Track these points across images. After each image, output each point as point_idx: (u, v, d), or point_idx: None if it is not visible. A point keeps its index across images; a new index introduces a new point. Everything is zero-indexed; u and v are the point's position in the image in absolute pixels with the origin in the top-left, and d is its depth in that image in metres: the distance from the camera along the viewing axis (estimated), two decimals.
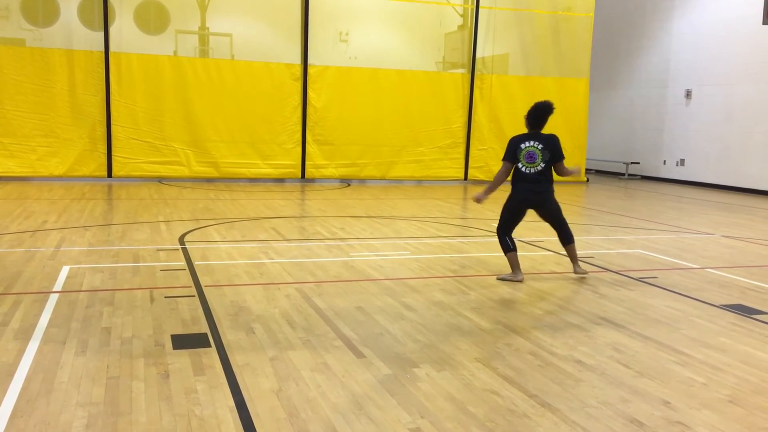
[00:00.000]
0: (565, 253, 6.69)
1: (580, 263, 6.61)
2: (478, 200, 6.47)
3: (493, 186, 6.38)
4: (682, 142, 17.76)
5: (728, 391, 3.86)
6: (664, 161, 18.33)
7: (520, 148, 6.23)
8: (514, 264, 6.37)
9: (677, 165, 17.91)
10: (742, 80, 16.00)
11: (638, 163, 19.02)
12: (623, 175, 19.35)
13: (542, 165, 6.22)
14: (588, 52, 16.87)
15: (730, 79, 16.28)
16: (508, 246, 6.37)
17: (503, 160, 6.36)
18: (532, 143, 6.23)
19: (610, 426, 3.36)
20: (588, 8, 16.76)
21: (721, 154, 16.58)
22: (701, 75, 17.13)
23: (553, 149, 6.25)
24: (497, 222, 6.50)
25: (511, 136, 6.45)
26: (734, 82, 16.18)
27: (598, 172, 20.43)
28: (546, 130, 6.42)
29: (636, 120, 19.23)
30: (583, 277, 6.53)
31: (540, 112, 6.27)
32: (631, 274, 6.82)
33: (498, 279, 6.38)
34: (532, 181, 6.24)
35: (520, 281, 6.31)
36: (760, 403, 3.71)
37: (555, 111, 6.38)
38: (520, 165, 6.25)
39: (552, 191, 6.40)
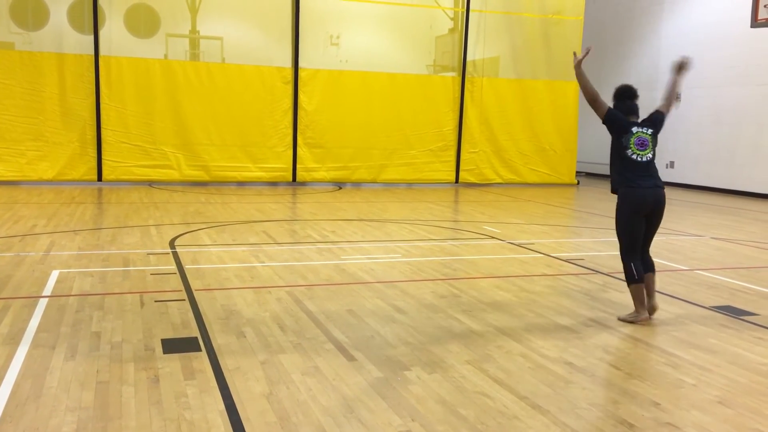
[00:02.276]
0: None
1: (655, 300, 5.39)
2: (577, 61, 5.50)
3: (585, 80, 5.42)
4: (671, 144, 17.84)
5: (717, 392, 3.88)
6: None
7: (631, 131, 5.22)
8: (640, 298, 5.21)
9: (666, 167, 17.99)
10: (730, 83, 16.10)
11: None
12: None
13: (651, 154, 5.29)
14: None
15: (718, 81, 16.38)
16: (633, 275, 5.19)
17: (606, 106, 5.34)
18: (643, 129, 5.28)
19: (600, 427, 3.37)
20: (578, 11, 16.83)
21: (709, 157, 16.67)
22: (690, 78, 16.97)
23: (658, 130, 5.38)
24: (619, 246, 5.34)
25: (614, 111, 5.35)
26: (722, 84, 16.29)
27: (588, 174, 20.50)
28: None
29: None
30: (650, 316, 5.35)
31: (631, 93, 5.39)
32: (620, 276, 6.82)
33: (619, 319, 5.27)
34: (648, 173, 5.25)
35: (646, 320, 5.21)
36: (748, 403, 3.73)
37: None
38: (629, 152, 5.21)
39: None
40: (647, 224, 5.30)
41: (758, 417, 3.56)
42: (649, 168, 5.27)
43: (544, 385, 3.89)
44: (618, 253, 5.39)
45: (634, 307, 5.27)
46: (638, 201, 5.19)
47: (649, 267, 5.34)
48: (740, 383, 4.03)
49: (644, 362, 4.34)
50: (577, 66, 5.47)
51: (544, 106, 16.40)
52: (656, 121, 5.42)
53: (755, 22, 14.52)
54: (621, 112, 5.35)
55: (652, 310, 5.29)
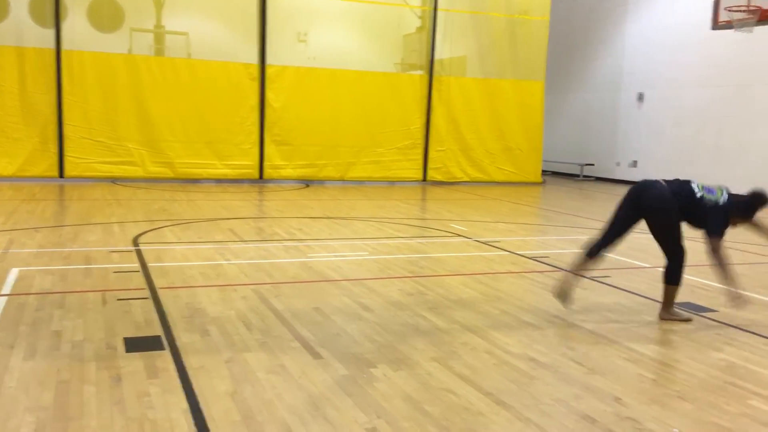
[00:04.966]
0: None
1: (674, 310, 5.41)
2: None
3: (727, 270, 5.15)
4: (634, 144, 18.14)
5: (677, 387, 3.96)
6: (618, 163, 18.69)
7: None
8: (579, 266, 5.42)
9: (630, 166, 18.29)
10: (691, 84, 16.42)
11: (593, 164, 19.36)
12: (578, 176, 19.67)
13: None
14: (544, 55, 17.11)
15: (680, 83, 16.70)
16: (588, 244, 5.40)
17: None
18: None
19: (563, 423, 3.42)
20: (543, 12, 17.00)
21: (671, 156, 16.97)
22: (653, 79, 17.53)
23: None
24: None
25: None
26: (684, 85, 16.60)
27: (554, 173, 20.74)
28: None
29: (590, 122, 19.58)
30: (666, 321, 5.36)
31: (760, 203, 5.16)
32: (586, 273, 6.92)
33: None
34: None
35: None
36: (707, 398, 3.81)
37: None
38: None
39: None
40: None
41: (716, 411, 3.64)
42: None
43: (509, 381, 3.93)
44: (578, 250, 5.47)
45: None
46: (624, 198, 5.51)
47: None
48: (699, 378, 4.12)
49: (605, 358, 4.41)
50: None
51: (510, 105, 16.54)
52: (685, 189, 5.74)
53: (716, 25, 14.82)
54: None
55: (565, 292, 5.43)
